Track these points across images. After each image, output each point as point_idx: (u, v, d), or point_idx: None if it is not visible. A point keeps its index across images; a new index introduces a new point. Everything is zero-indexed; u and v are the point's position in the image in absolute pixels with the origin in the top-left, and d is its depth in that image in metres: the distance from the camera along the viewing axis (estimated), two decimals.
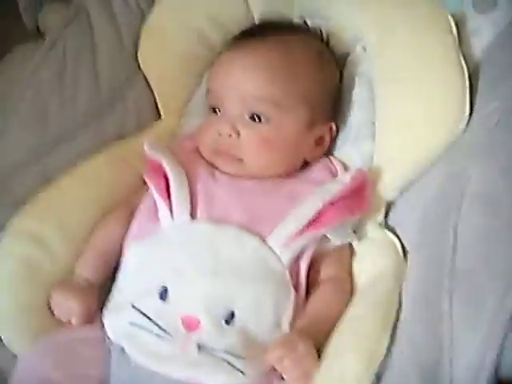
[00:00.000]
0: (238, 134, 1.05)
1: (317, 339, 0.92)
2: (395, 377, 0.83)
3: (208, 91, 1.12)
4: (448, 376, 0.78)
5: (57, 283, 1.01)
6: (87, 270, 1.04)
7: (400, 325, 0.89)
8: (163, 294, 0.95)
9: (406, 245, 1.01)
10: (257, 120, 1.05)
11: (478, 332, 0.77)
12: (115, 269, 1.05)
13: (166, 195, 1.02)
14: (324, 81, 1.10)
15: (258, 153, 1.05)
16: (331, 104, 1.12)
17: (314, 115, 1.08)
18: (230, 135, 1.05)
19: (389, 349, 0.87)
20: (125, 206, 1.10)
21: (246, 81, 1.05)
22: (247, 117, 1.05)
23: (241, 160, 1.06)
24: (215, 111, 1.09)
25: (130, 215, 1.07)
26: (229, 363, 0.91)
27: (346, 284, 1.02)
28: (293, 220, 0.98)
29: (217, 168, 1.08)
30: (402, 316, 0.90)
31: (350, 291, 1.00)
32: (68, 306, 0.99)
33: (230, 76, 1.06)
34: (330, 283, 1.01)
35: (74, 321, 0.98)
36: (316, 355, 0.90)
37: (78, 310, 0.98)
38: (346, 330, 0.92)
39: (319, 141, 1.10)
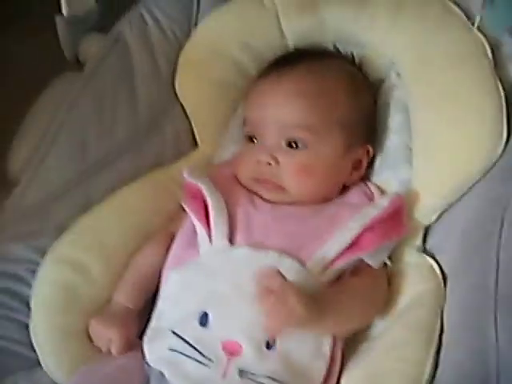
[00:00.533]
0: (277, 162, 1.05)
1: (321, 306, 0.92)
2: None
3: (244, 121, 1.13)
4: None
5: (95, 314, 1.02)
6: (125, 297, 1.05)
7: (443, 350, 0.89)
8: (203, 320, 0.95)
9: (445, 269, 1.01)
10: (294, 146, 1.06)
11: None
12: (154, 295, 1.06)
13: (204, 220, 1.02)
14: (358, 105, 1.11)
15: (298, 179, 1.05)
16: (367, 127, 1.13)
17: (350, 139, 1.08)
18: (270, 164, 1.05)
19: (433, 373, 0.87)
20: (163, 234, 1.11)
21: (282, 109, 1.06)
22: (284, 144, 1.06)
23: (282, 187, 1.06)
24: (252, 140, 1.10)
25: (169, 242, 1.08)
26: None
27: (378, 284, 1.02)
28: (332, 245, 0.98)
29: (256, 194, 1.08)
30: (445, 341, 0.90)
31: (380, 302, 1.01)
32: (107, 337, 1.00)
33: (266, 106, 1.08)
34: (361, 278, 1.01)
35: (113, 350, 0.99)
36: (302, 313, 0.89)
37: (117, 339, 0.99)
38: (389, 353, 0.92)
39: (356, 164, 1.11)
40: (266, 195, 1.07)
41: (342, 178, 1.10)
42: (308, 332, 0.94)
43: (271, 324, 0.91)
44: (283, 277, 0.93)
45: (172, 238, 1.08)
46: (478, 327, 0.85)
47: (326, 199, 1.09)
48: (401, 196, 1.05)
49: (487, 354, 0.81)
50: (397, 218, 1.02)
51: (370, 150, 1.12)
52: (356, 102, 1.10)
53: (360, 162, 1.11)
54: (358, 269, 1.02)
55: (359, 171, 1.12)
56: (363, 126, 1.12)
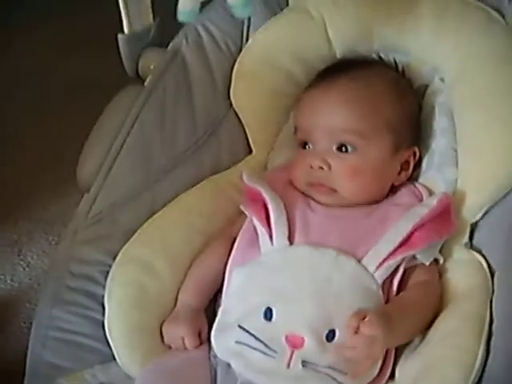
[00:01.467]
0: (329, 166, 1.10)
1: (394, 326, 0.94)
2: None
3: (296, 128, 1.18)
4: None
5: (164, 312, 1.08)
6: (191, 297, 1.10)
7: (494, 339, 0.93)
8: (268, 314, 0.99)
9: (492, 264, 1.04)
10: (344, 150, 1.10)
11: None
12: (216, 293, 1.12)
13: (265, 222, 1.08)
14: (403, 108, 1.15)
15: (350, 181, 1.10)
16: (412, 130, 1.17)
17: (397, 141, 1.12)
18: (322, 168, 1.10)
19: (485, 361, 0.91)
20: (224, 236, 1.16)
21: (331, 116, 1.11)
22: (335, 149, 1.11)
23: (334, 190, 1.11)
24: (304, 146, 1.15)
25: (229, 244, 1.13)
26: (332, 378, 0.95)
27: (432, 287, 1.05)
28: (386, 242, 1.03)
29: (311, 197, 1.13)
30: (495, 331, 0.94)
31: (437, 296, 1.04)
32: (179, 335, 1.05)
33: (317, 113, 1.13)
34: (418, 286, 1.05)
35: (188, 345, 1.05)
36: (383, 342, 0.93)
37: (188, 336, 1.04)
38: (441, 343, 0.96)
39: (404, 165, 1.15)
40: (320, 198, 1.12)
41: (391, 179, 1.14)
42: None
43: (351, 357, 0.95)
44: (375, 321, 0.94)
45: (232, 241, 1.13)
46: None
47: (376, 200, 1.13)
48: (448, 195, 1.09)
49: None
50: (446, 216, 1.06)
51: (417, 151, 1.16)
52: (401, 106, 1.14)
53: (407, 163, 1.15)
54: (411, 268, 1.06)
55: (407, 172, 1.15)
56: (409, 129, 1.16)
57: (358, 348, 0.93)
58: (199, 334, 1.06)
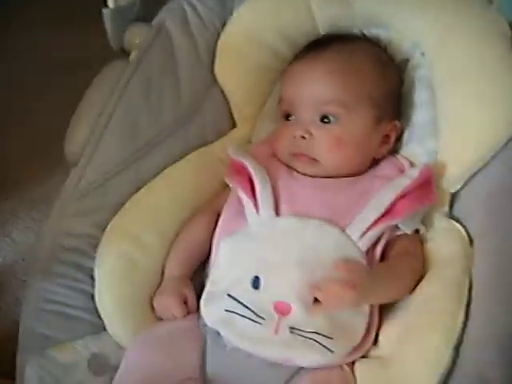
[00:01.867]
0: (311, 135, 1.12)
1: (375, 281, 0.99)
2: (474, 349, 0.91)
3: (280, 100, 1.20)
4: None
5: (154, 283, 1.11)
6: (177, 267, 1.13)
7: (474, 303, 0.96)
8: (256, 283, 1.02)
9: (471, 233, 1.08)
10: (327, 121, 1.12)
11: None
12: (204, 264, 1.14)
13: (251, 194, 1.10)
14: (385, 82, 1.17)
15: (332, 152, 1.12)
16: (394, 104, 1.19)
17: (380, 114, 1.15)
18: (304, 137, 1.12)
19: (465, 325, 0.94)
20: (209, 208, 1.19)
21: (315, 87, 1.13)
22: (318, 119, 1.13)
23: (316, 160, 1.13)
24: (288, 118, 1.17)
25: (215, 217, 1.15)
26: (318, 343, 0.98)
27: (415, 258, 1.08)
28: (369, 211, 1.06)
29: (295, 169, 1.15)
30: (475, 296, 0.97)
31: (420, 266, 1.07)
32: (168, 306, 1.08)
33: (301, 84, 1.14)
34: (402, 254, 1.08)
35: (176, 314, 1.07)
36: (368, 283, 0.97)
37: (176, 306, 1.07)
38: (423, 308, 1.00)
39: (385, 138, 1.17)
40: (302, 169, 1.14)
41: (372, 152, 1.17)
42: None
43: (327, 303, 0.98)
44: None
45: (217, 214, 1.15)
46: (506, 281, 0.92)
47: (357, 172, 1.15)
48: (430, 166, 1.11)
49: None
50: (427, 186, 1.09)
51: (398, 124, 1.18)
52: (383, 80, 1.17)
53: (389, 136, 1.18)
54: (395, 238, 1.09)
55: (388, 145, 1.18)
56: (391, 103, 1.18)
57: (332, 288, 0.96)
58: (185, 303, 1.08)
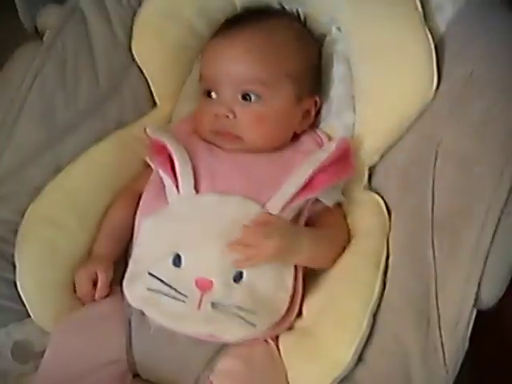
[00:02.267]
0: (234, 114, 1.13)
1: (297, 235, 1.03)
2: (390, 315, 0.95)
3: (201, 77, 1.19)
4: (436, 311, 0.90)
5: (76, 267, 1.10)
6: (104, 248, 1.13)
7: (390, 271, 1.00)
8: (176, 261, 1.02)
9: (388, 204, 1.11)
10: (249, 99, 1.12)
11: (459, 270, 0.90)
12: (128, 245, 1.14)
13: (171, 172, 1.09)
14: (305, 58, 1.18)
15: (255, 129, 1.13)
16: (314, 79, 1.20)
17: (300, 90, 1.16)
18: (227, 116, 1.12)
19: (382, 292, 0.98)
20: (131, 188, 1.18)
21: (236, 65, 1.13)
22: (240, 97, 1.13)
23: (240, 137, 1.13)
24: (209, 96, 1.16)
25: (136, 196, 1.15)
26: (240, 317, 0.99)
27: (341, 230, 1.11)
28: (288, 187, 1.07)
29: (215, 145, 1.15)
30: (391, 265, 1.01)
31: (345, 240, 1.09)
32: (91, 273, 1.08)
33: (221, 62, 1.14)
34: (326, 224, 1.11)
35: (98, 289, 1.07)
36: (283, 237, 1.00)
37: (101, 276, 1.07)
38: (343, 278, 1.03)
39: (306, 114, 1.18)
40: (225, 145, 1.14)
41: (293, 127, 1.18)
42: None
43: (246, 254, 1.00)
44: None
45: (138, 194, 1.15)
46: (418, 250, 0.96)
47: (279, 147, 1.17)
48: (346, 139, 1.13)
49: (427, 272, 0.93)
50: (345, 159, 1.11)
51: (318, 100, 1.20)
52: (303, 56, 1.17)
53: (309, 111, 1.19)
54: (317, 212, 1.11)
55: (308, 120, 1.19)
56: (310, 79, 1.19)
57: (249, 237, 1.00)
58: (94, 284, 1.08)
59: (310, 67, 1.19)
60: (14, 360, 1.04)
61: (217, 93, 1.15)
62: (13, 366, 1.03)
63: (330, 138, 1.18)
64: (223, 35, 1.18)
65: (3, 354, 1.03)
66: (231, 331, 1.00)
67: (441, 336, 0.88)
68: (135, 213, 1.13)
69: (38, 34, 1.23)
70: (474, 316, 0.88)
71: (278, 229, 1.01)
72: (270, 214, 1.04)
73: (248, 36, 1.15)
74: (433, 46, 1.10)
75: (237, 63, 1.13)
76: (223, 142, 1.15)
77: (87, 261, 1.11)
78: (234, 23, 1.19)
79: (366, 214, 1.11)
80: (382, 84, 1.12)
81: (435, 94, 1.09)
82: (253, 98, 1.13)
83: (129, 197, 1.17)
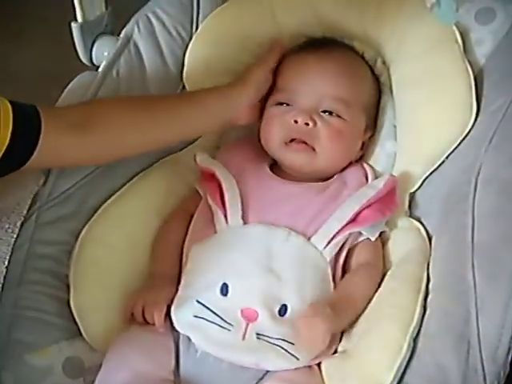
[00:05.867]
0: (315, 123, 1.14)
1: (339, 314, 1.01)
2: (430, 339, 0.96)
3: (278, 89, 1.20)
4: (476, 335, 0.91)
5: (126, 288, 1.12)
6: (161, 266, 1.14)
7: (431, 296, 1.01)
8: (224, 290, 1.04)
9: (429, 230, 1.13)
10: (329, 114, 1.15)
11: (499, 296, 0.91)
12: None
13: (220, 202, 1.12)
14: (375, 92, 1.23)
15: (332, 143, 1.14)
16: (374, 114, 1.24)
17: (367, 121, 1.20)
18: (307, 124, 1.13)
19: (422, 316, 0.99)
20: (182, 212, 1.21)
21: (326, 81, 1.16)
22: (320, 111, 1.15)
23: (313, 149, 1.14)
24: (282, 105, 1.17)
25: (188, 218, 1.18)
26: (284, 349, 1.00)
27: (376, 269, 1.11)
28: (334, 222, 1.09)
29: (270, 172, 1.18)
30: (432, 289, 1.02)
31: (380, 276, 1.10)
32: (154, 300, 1.06)
33: (308, 74, 1.16)
34: (361, 268, 1.12)
35: (157, 312, 1.04)
36: (328, 327, 0.98)
37: (159, 308, 1.05)
38: (383, 303, 1.04)
39: (362, 145, 1.22)
40: (295, 156, 1.15)
41: (354, 153, 1.21)
42: None
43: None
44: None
45: (189, 217, 1.18)
46: (458, 274, 0.97)
47: (337, 170, 1.19)
48: (394, 177, 1.14)
49: (467, 296, 0.94)
50: (390, 196, 1.13)
51: (372, 136, 1.23)
52: (373, 89, 1.23)
53: (364, 143, 1.22)
54: (357, 244, 1.13)
55: (362, 151, 1.23)
56: (374, 113, 1.24)
57: (301, 330, 0.99)
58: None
59: (376, 102, 1.24)
60: (65, 375, 1.06)
61: (295, 104, 1.16)
62: (64, 381, 1.06)
63: (374, 171, 1.21)
64: (310, 53, 1.20)
65: (55, 370, 1.06)
66: (274, 362, 1.01)
67: (482, 360, 0.88)
68: (185, 236, 1.16)
69: (94, 66, 1.29)
70: None
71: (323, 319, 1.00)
72: (315, 307, 1.02)
73: (338, 59, 1.18)
74: (472, 78, 1.12)
75: (327, 79, 1.16)
76: (294, 152, 1.15)
77: (152, 284, 1.12)
78: (319, 44, 1.23)
79: (406, 240, 1.13)
80: (423, 114, 1.15)
81: (475, 124, 1.11)
82: (334, 115, 1.15)
83: (182, 219, 1.19)
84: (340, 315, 1.03)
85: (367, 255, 1.13)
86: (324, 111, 1.15)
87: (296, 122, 1.14)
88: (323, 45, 1.22)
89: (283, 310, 1.03)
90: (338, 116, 1.15)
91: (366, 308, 1.08)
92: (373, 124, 1.24)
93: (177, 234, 1.18)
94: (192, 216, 1.18)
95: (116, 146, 1.10)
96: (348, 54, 1.22)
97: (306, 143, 1.15)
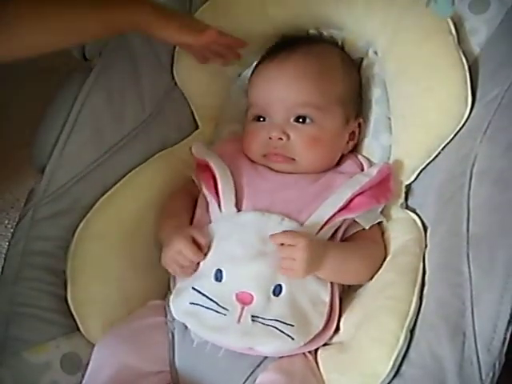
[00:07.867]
0: (288, 136, 1.15)
1: (326, 253, 1.04)
2: (426, 331, 0.96)
3: (251, 105, 1.22)
4: (471, 326, 0.91)
5: (123, 280, 1.14)
6: (173, 223, 1.15)
7: (427, 287, 1.01)
8: (218, 276, 1.06)
9: (425, 221, 1.13)
10: (301, 121, 1.15)
11: (494, 287, 0.90)
12: None
13: (214, 191, 1.13)
14: (350, 82, 1.22)
15: (308, 150, 1.16)
16: (357, 102, 1.23)
17: (347, 113, 1.19)
18: (281, 138, 1.15)
19: (418, 308, 0.99)
20: (186, 190, 1.22)
21: (289, 90, 1.16)
22: (293, 120, 1.16)
23: (293, 159, 1.16)
24: (259, 120, 1.19)
25: (192, 197, 1.20)
26: (279, 330, 1.02)
27: (377, 246, 1.13)
28: (326, 207, 1.10)
29: (264, 166, 1.18)
30: (428, 281, 1.02)
31: (380, 259, 1.11)
32: (178, 248, 1.07)
33: (273, 87, 1.17)
34: (362, 240, 1.13)
35: (189, 255, 1.06)
36: (308, 256, 1.01)
37: (186, 245, 1.06)
38: (380, 294, 1.04)
39: (351, 135, 1.22)
40: (277, 167, 1.17)
41: (341, 148, 1.21)
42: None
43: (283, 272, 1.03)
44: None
45: (194, 197, 1.19)
46: (454, 266, 0.97)
47: (327, 168, 1.19)
48: (389, 165, 1.15)
49: (462, 288, 0.94)
50: (385, 184, 1.14)
51: (362, 122, 1.23)
52: (349, 80, 1.21)
53: (353, 133, 1.22)
54: (354, 233, 1.13)
55: (353, 142, 1.23)
56: (355, 102, 1.23)
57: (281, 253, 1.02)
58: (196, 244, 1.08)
59: (354, 90, 1.23)
60: (63, 371, 1.07)
61: (268, 117, 1.18)
62: (62, 377, 1.07)
63: (369, 162, 1.21)
64: (272, 62, 1.20)
65: (53, 366, 1.07)
66: (269, 344, 1.03)
67: (477, 351, 0.89)
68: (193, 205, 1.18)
69: (87, 60, 1.27)
70: (510, 331, 0.89)
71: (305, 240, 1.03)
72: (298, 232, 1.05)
73: (299, 62, 1.18)
74: (467, 69, 1.12)
75: (290, 88, 1.16)
76: (275, 164, 1.18)
77: (170, 236, 1.10)
78: (282, 48, 1.22)
79: (402, 231, 1.13)
80: (418, 106, 1.15)
81: (470, 115, 1.11)
82: (307, 120, 1.16)
83: (187, 194, 1.21)
84: (327, 256, 1.04)
85: (364, 236, 1.14)
86: (296, 119, 1.16)
87: (270, 138, 1.15)
88: (284, 48, 1.22)
89: (278, 289, 1.04)
90: (311, 120, 1.15)
91: (361, 298, 1.09)
92: (358, 111, 1.23)
93: (184, 201, 1.20)
94: (195, 199, 1.20)
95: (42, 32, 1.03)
96: (313, 49, 1.20)
97: (284, 155, 1.16)
